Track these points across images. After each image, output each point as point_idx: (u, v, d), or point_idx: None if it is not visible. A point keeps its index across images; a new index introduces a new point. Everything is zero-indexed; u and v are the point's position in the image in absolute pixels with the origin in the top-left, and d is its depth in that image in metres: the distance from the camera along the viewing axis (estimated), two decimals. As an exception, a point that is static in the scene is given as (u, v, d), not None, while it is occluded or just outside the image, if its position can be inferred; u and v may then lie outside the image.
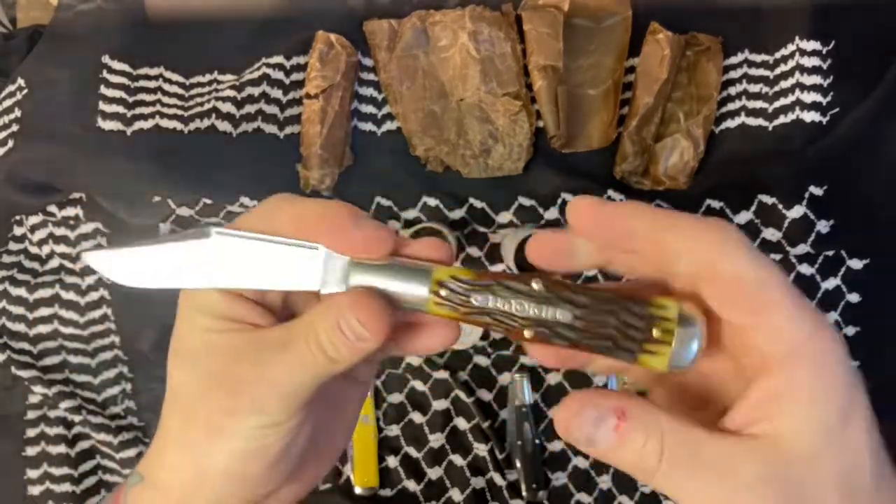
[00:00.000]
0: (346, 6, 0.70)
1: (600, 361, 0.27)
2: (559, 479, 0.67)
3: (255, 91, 0.67)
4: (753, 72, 0.66)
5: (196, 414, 0.27)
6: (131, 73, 0.69)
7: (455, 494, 0.67)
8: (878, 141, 0.63)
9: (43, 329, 0.69)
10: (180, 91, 0.70)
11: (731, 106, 0.66)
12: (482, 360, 0.68)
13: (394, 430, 0.68)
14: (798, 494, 0.22)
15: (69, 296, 0.69)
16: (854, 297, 0.65)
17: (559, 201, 0.67)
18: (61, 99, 0.67)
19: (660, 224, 0.24)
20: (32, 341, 0.69)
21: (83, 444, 0.69)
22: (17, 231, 0.71)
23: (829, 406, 0.23)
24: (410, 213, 0.68)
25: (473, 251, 0.69)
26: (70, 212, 0.69)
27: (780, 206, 0.64)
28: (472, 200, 0.68)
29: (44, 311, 0.69)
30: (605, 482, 0.67)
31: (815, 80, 0.63)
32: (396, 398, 0.69)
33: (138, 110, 0.68)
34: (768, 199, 0.64)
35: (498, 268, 0.68)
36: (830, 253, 0.64)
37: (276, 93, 0.68)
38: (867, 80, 0.63)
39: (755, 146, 0.65)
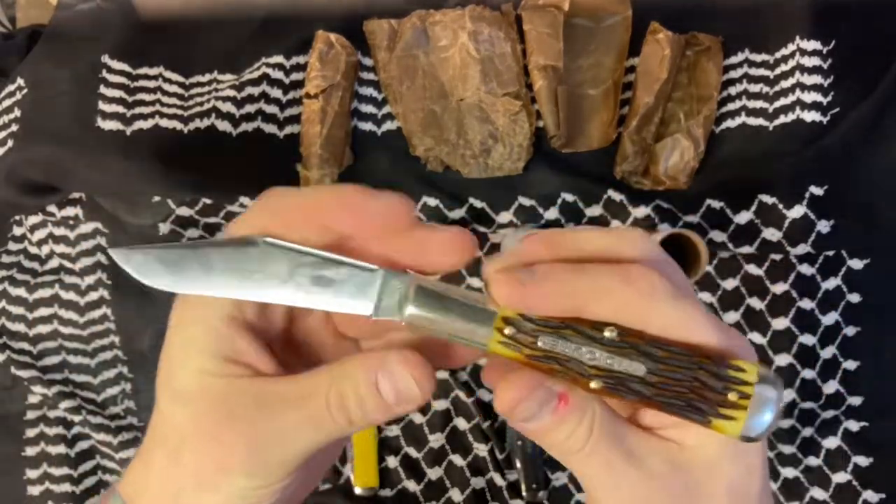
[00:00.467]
0: (345, 6, 0.70)
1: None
2: (559, 479, 0.67)
3: (255, 91, 0.67)
4: (754, 71, 0.66)
5: (183, 458, 0.25)
6: (131, 72, 0.69)
7: (455, 495, 0.67)
8: (879, 141, 0.63)
9: (42, 329, 0.69)
10: (180, 91, 0.70)
11: (731, 106, 0.66)
12: (482, 360, 0.68)
13: (394, 431, 0.68)
14: (695, 493, 0.26)
15: (69, 296, 0.69)
16: (854, 297, 0.65)
17: (559, 201, 0.67)
18: (61, 99, 0.67)
19: (578, 281, 0.24)
20: (32, 341, 0.69)
21: (83, 445, 0.68)
22: (17, 231, 0.71)
23: None
24: (410, 213, 0.68)
25: (473, 251, 0.68)
26: (70, 212, 0.69)
27: (781, 206, 0.64)
28: (472, 200, 0.68)
29: (43, 311, 0.69)
30: (605, 482, 0.67)
31: (816, 79, 0.63)
32: (396, 398, 0.69)
33: (138, 110, 0.68)
34: (769, 199, 0.64)
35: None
36: (831, 253, 0.64)
37: (276, 92, 0.68)
38: (867, 80, 0.63)
39: (755, 146, 0.65)
